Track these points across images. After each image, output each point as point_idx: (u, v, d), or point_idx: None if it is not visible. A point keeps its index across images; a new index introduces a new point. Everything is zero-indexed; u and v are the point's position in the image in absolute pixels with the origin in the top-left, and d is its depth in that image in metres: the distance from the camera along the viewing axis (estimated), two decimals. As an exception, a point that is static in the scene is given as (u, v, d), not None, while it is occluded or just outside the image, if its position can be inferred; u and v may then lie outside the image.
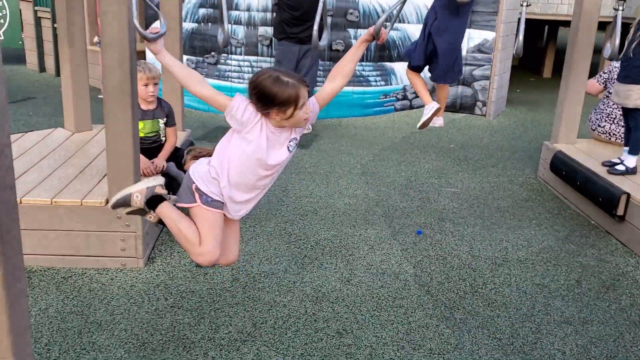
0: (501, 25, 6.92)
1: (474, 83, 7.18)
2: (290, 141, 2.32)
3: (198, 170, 2.32)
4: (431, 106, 3.66)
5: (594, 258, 3.66)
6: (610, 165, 4.32)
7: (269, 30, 6.61)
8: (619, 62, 4.40)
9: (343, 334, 2.82)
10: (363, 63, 6.96)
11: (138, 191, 2.37)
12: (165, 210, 2.36)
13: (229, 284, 3.21)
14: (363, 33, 2.65)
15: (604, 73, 5.08)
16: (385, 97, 7.18)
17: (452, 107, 7.33)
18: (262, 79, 2.18)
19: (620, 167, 4.24)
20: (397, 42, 7.07)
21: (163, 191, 2.41)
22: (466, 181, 5.00)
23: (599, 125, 5.04)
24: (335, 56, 6.81)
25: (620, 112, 4.76)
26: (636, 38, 4.06)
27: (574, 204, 4.49)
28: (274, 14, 6.38)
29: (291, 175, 4.98)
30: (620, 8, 3.23)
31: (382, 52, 7.02)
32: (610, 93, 4.98)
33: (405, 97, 7.29)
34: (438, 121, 3.76)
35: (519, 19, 3.23)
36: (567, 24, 10.49)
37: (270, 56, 6.71)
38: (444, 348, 2.73)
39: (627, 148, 4.31)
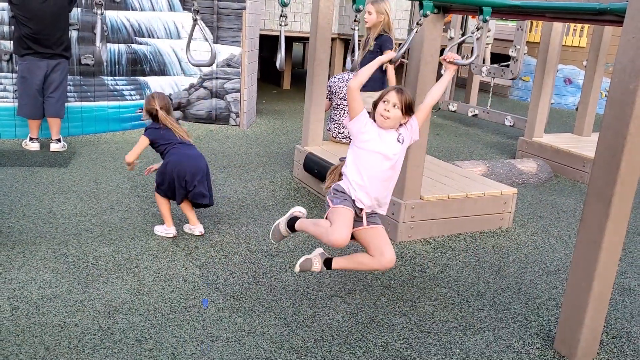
0: (245, 41, 7.45)
1: (226, 95, 7.60)
2: (398, 135, 3.06)
3: (335, 183, 3.12)
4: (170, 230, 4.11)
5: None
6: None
7: (6, 43, 6.12)
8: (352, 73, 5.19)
9: (142, 340, 2.91)
10: (116, 77, 6.87)
11: (281, 222, 3.35)
12: (300, 224, 3.20)
13: (8, 314, 3.03)
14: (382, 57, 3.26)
15: (326, 90, 5.81)
16: (142, 111, 7.18)
17: (209, 119, 7.66)
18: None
19: None
20: (149, 57, 7.13)
21: (299, 214, 3.29)
22: (233, 186, 5.36)
23: (339, 132, 5.84)
24: (85, 70, 6.61)
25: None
26: (367, 53, 4.85)
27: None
28: (13, 27, 5.95)
29: (54, 196, 4.76)
30: (356, 28, 3.89)
31: (134, 67, 7.02)
32: (338, 105, 5.81)
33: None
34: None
35: (280, 36, 3.65)
36: (299, 39, 11.63)
37: (11, 72, 6.21)
38: (239, 335, 3.00)
39: None
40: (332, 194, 3.11)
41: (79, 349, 2.79)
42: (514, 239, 4.58)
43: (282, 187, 5.44)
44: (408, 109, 3.04)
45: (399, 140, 3.06)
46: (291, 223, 3.27)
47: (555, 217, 5.18)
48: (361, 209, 3.07)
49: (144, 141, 4.02)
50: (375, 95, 4.92)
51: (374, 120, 3.10)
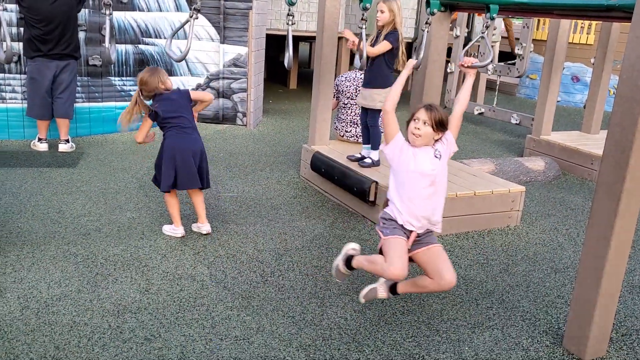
0: (252, 41, 7.47)
1: (233, 95, 7.62)
2: (435, 151, 3.02)
3: (382, 211, 3.12)
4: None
5: (357, 238, 4.31)
6: (356, 160, 5.07)
7: (15, 45, 6.16)
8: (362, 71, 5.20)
9: (151, 339, 2.92)
10: (124, 78, 6.91)
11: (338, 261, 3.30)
12: (356, 263, 3.18)
13: (18, 313, 3.06)
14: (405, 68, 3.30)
15: (333, 89, 5.83)
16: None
17: (216, 119, 7.68)
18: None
19: (368, 161, 5.01)
20: (156, 57, 7.16)
21: (352, 252, 3.27)
22: (240, 186, 5.38)
23: (346, 131, 5.84)
24: (92, 71, 6.64)
25: (357, 117, 5.61)
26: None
27: (334, 195, 5.15)
28: (22, 29, 5.98)
29: (63, 196, 4.79)
30: (364, 26, 3.90)
31: (142, 67, 7.03)
32: (345, 104, 5.82)
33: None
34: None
35: (287, 36, 3.66)
36: (305, 39, 11.64)
37: (20, 73, 6.25)
38: (248, 333, 3.01)
39: (368, 145, 5.10)
40: (381, 224, 3.08)
41: (89, 348, 2.81)
42: (522, 237, 4.56)
43: (289, 187, 5.45)
44: (439, 125, 2.97)
45: (436, 156, 3.00)
46: (348, 262, 3.24)
47: (564, 215, 5.16)
48: (411, 231, 3.01)
49: None
50: (385, 92, 4.94)
51: (408, 141, 3.06)
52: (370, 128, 5.03)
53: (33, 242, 3.90)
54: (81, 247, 3.88)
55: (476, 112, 8.92)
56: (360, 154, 5.15)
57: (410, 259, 3.04)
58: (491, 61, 3.36)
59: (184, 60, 7.31)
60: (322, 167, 5.19)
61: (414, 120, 2.98)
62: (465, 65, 3.29)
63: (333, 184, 5.08)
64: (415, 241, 3.03)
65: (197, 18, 3.40)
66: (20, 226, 4.15)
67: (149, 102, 4.02)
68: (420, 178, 2.97)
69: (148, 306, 3.21)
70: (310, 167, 5.41)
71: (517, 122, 8.20)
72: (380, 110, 5.03)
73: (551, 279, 3.85)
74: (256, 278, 3.60)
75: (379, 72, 4.81)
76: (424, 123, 2.95)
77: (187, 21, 3.38)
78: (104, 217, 4.40)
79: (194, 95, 4.12)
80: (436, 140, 3.03)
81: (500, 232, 4.64)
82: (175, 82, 7.37)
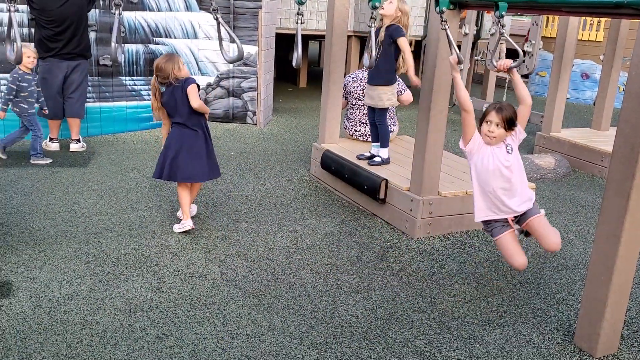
0: (262, 40, 7.48)
1: (243, 94, 7.64)
2: (506, 146, 3.25)
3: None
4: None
5: (367, 236, 4.32)
6: (366, 158, 5.08)
7: (29, 46, 6.21)
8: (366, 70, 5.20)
9: (163, 338, 2.94)
10: (134, 77, 6.95)
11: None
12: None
13: (31, 312, 3.09)
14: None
15: (342, 89, 5.80)
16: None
17: (226, 118, 7.71)
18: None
19: (377, 159, 5.02)
20: (166, 57, 7.19)
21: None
22: (251, 184, 5.40)
23: (356, 130, 5.85)
24: (103, 71, 6.69)
25: (366, 117, 5.61)
26: (378, 49, 4.83)
27: (344, 193, 5.16)
28: (34, 30, 6.04)
29: (75, 195, 4.83)
30: (373, 25, 3.90)
31: (152, 67, 7.06)
32: (353, 104, 5.82)
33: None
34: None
35: (296, 35, 3.66)
36: (315, 38, 11.65)
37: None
38: (259, 331, 3.03)
39: (377, 143, 5.10)
40: (484, 226, 3.48)
41: (101, 347, 2.83)
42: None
43: (299, 185, 5.46)
44: (510, 124, 3.20)
45: (508, 151, 3.24)
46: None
47: (574, 212, 5.14)
48: (513, 217, 3.34)
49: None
50: (390, 89, 4.94)
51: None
52: (379, 126, 5.03)
53: (45, 242, 3.93)
54: (93, 246, 3.91)
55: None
56: (369, 152, 5.16)
57: (527, 233, 3.51)
58: (523, 60, 3.35)
59: (194, 60, 7.34)
60: (332, 165, 5.19)
61: (487, 122, 3.21)
62: (502, 69, 3.38)
63: (343, 182, 5.08)
64: (520, 218, 3.37)
65: (221, 15, 3.48)
66: (32, 225, 4.20)
67: (163, 90, 4.11)
68: (499, 174, 3.23)
69: (159, 305, 3.23)
70: (320, 165, 5.42)
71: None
72: (387, 109, 5.03)
73: (562, 276, 3.84)
74: (267, 276, 3.62)
75: (384, 68, 4.80)
76: (497, 125, 3.18)
77: (218, 24, 3.47)
78: (115, 216, 4.44)
79: (191, 98, 3.99)
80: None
81: (511, 229, 4.62)
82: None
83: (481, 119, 3.27)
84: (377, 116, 5.02)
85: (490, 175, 3.24)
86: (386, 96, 4.85)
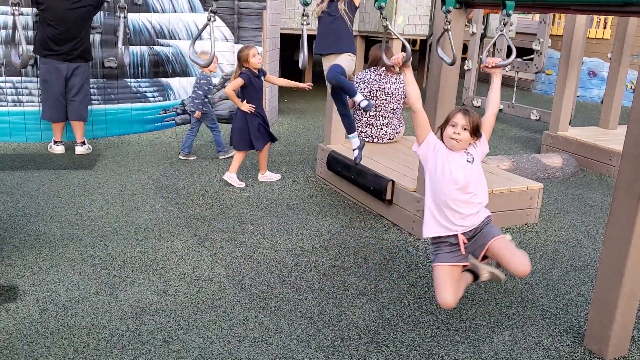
0: (266, 40, 7.47)
1: (248, 94, 7.61)
2: (467, 154, 3.01)
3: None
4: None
5: (374, 237, 4.29)
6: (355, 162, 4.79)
7: (31, 48, 6.22)
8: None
9: (170, 341, 2.93)
10: (139, 79, 6.95)
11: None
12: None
13: (37, 316, 3.08)
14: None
15: None
16: (165, 112, 7.25)
17: (231, 119, 7.67)
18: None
19: (356, 152, 4.74)
20: (171, 58, 7.19)
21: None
22: (256, 185, 5.38)
23: (362, 131, 5.81)
24: (108, 73, 6.69)
25: (372, 118, 5.59)
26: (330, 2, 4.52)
27: (350, 195, 5.14)
28: (36, 30, 6.04)
29: (80, 198, 4.82)
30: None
31: (157, 69, 7.08)
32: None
33: (185, 112, 7.44)
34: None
35: (302, 35, 3.64)
36: (319, 37, 11.58)
37: (36, 75, 6.31)
38: (266, 335, 3.01)
39: (353, 134, 4.79)
40: (431, 245, 3.15)
41: (107, 351, 2.82)
42: (540, 235, 4.51)
43: (305, 186, 5.44)
44: (476, 130, 2.98)
45: (468, 161, 3.00)
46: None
47: (582, 212, 5.09)
48: (464, 238, 3.02)
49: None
50: (352, 57, 4.59)
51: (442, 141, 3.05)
52: (341, 90, 4.52)
53: (51, 245, 3.93)
54: (99, 249, 3.90)
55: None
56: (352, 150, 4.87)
57: (485, 257, 3.06)
58: (514, 58, 3.23)
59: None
60: (338, 166, 5.17)
61: (452, 125, 2.97)
62: (490, 65, 3.23)
63: (349, 182, 5.06)
64: (471, 241, 3.03)
65: (215, 20, 3.37)
66: (38, 229, 4.19)
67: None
68: (454, 184, 2.97)
69: (166, 308, 3.22)
70: (326, 166, 5.40)
71: (537, 118, 8.13)
72: (340, 66, 4.51)
73: (571, 276, 3.81)
74: (274, 279, 3.60)
75: (344, 33, 4.47)
76: (464, 129, 2.95)
77: (206, 25, 3.36)
78: (121, 219, 4.43)
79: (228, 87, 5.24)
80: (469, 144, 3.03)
81: (519, 229, 4.59)
82: (190, 83, 7.41)
83: (444, 122, 3.04)
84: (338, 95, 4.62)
85: (445, 185, 2.97)
86: (348, 62, 4.51)
